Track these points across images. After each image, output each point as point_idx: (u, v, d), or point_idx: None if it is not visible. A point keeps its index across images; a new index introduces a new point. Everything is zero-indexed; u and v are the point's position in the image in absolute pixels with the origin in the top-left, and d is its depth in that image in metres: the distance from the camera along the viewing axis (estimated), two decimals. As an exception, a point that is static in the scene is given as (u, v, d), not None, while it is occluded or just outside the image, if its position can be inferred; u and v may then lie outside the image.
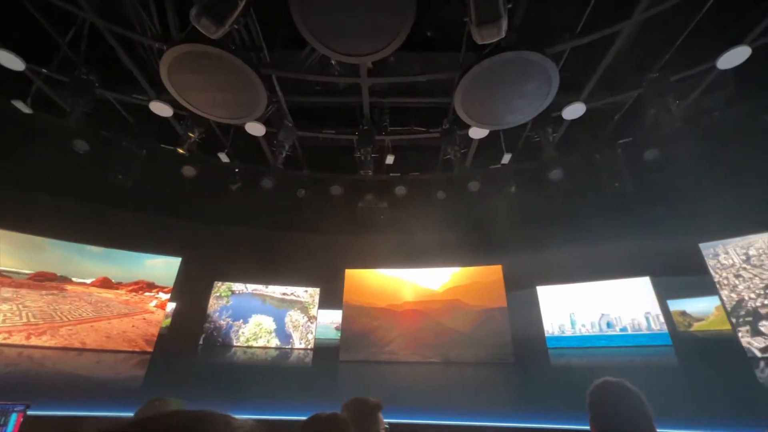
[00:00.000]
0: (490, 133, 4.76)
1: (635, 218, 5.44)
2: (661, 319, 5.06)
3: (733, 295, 4.75)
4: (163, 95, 4.41)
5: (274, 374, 5.65)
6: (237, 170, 5.73)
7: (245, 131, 4.82)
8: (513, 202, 6.00)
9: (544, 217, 5.98)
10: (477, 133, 4.67)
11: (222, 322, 5.97)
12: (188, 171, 5.47)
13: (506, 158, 5.26)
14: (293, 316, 6.17)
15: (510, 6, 2.85)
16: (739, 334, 4.56)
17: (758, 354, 4.40)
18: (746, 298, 4.68)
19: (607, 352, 5.24)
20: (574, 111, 4.35)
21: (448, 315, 6.13)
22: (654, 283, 5.21)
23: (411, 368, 5.74)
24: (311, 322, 6.12)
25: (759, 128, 4.44)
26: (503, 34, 2.98)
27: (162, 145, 5.42)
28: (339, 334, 6.03)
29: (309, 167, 6.04)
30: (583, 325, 5.50)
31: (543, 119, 4.40)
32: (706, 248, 5.02)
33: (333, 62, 4.19)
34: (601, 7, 3.58)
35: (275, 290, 6.29)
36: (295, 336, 6.03)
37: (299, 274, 6.26)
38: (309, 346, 5.94)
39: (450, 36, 4.16)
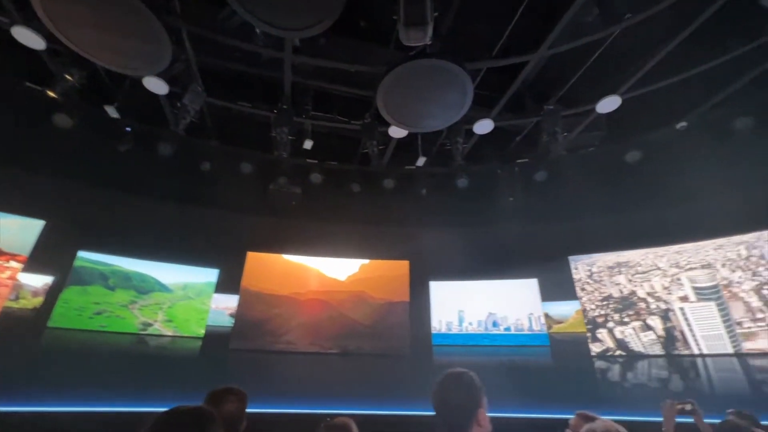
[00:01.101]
0: (409, 134, 4.93)
1: (527, 228, 6.16)
2: (542, 320, 5.82)
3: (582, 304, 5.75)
4: (34, 22, 3.61)
5: (152, 362, 5.10)
6: (128, 129, 4.98)
7: (144, 86, 4.22)
8: (423, 203, 6.34)
9: (450, 220, 6.43)
10: (396, 132, 4.78)
11: (89, 300, 5.16)
12: (61, 120, 4.58)
13: (421, 161, 5.51)
14: (181, 299, 5.63)
15: (437, 14, 2.97)
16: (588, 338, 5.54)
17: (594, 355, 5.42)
18: (587, 308, 5.68)
19: (489, 351, 5.85)
20: (483, 126, 4.74)
21: (352, 306, 6.22)
22: (540, 286, 5.99)
23: (308, 359, 5.69)
24: (204, 307, 5.65)
25: (621, 166, 5.40)
26: (428, 40, 3.10)
27: (28, 84, 4.45)
28: (233, 321, 5.68)
29: (218, 138, 5.54)
30: (471, 324, 6.07)
31: (456, 129, 4.71)
32: (573, 261, 5.96)
33: (258, 31, 3.90)
34: (518, 36, 3.96)
35: (163, 268, 5.66)
36: (178, 321, 5.51)
37: (195, 252, 5.72)
38: (191, 335, 5.46)
39: (382, 31, 4.20)
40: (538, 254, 6.04)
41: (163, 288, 5.58)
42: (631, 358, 5.24)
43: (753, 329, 4.65)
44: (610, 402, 5.01)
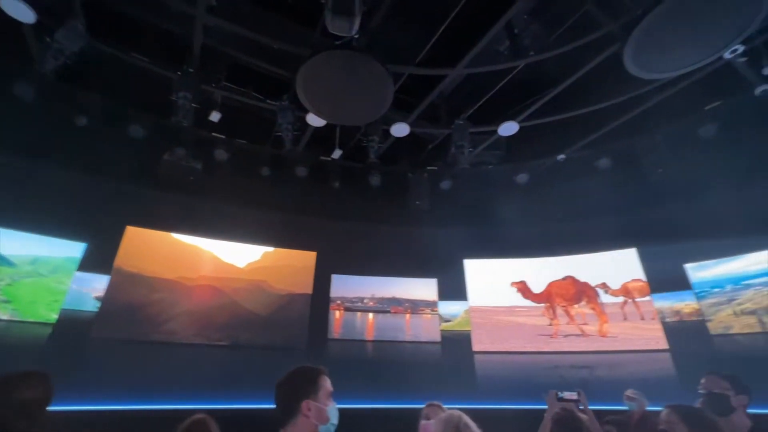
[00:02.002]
0: (327, 125, 4.84)
1: (427, 231, 6.55)
2: (438, 319, 6.23)
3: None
4: None
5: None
6: (-29, 57, 3.92)
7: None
8: (335, 196, 6.31)
9: (360, 215, 6.51)
10: (314, 120, 4.66)
11: None
12: None
13: (337, 153, 5.46)
14: (27, 275, 4.64)
15: (366, 9, 2.96)
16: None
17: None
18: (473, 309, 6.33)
19: (387, 347, 6.05)
20: (400, 130, 4.90)
21: (247, 295, 5.86)
22: (438, 285, 6.39)
23: (191, 351, 5.19)
24: (61, 287, 4.74)
25: (511, 186, 6.11)
26: (353, 33, 3.08)
27: None
28: (99, 305, 4.89)
29: (102, 91, 4.71)
30: (371, 318, 6.24)
31: (374, 128, 4.78)
32: (467, 263, 6.56)
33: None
34: (440, 50, 4.18)
35: (6, 235, 4.60)
36: (20, 302, 4.54)
37: (54, 220, 4.75)
38: (37, 320, 4.54)
39: (309, 13, 4.03)
40: (439, 256, 6.49)
41: (1, 260, 4.51)
42: (507, 355, 5.97)
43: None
44: (486, 394, 5.60)
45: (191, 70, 4.11)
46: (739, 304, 4.93)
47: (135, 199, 5.36)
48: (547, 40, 4.18)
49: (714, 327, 5.02)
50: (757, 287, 4.80)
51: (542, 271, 6.40)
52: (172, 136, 5.15)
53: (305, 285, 6.17)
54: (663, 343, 5.33)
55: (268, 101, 4.78)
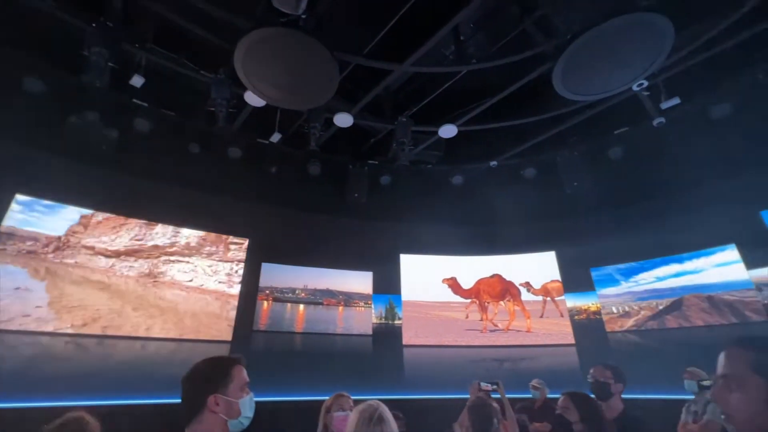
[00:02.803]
0: (268, 105, 4.58)
1: (364, 224, 6.59)
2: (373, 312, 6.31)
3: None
4: None
5: None
6: None
7: None
8: (271, 181, 6.03)
9: (296, 203, 6.31)
10: (253, 99, 4.39)
11: None
12: None
13: (276, 137, 5.20)
14: None
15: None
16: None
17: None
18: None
19: (318, 339, 5.96)
20: (343, 120, 4.82)
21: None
22: (373, 279, 6.47)
23: (99, 344, 4.62)
24: None
25: (448, 186, 6.37)
26: (300, 12, 2.94)
27: None
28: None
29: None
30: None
31: (317, 115, 4.64)
32: (403, 258, 6.71)
33: None
34: (389, 45, 4.18)
35: None
36: None
37: None
38: None
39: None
40: (375, 249, 6.57)
41: None
42: (433, 348, 6.24)
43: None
44: (415, 385, 5.80)
45: (109, 24, 3.61)
46: (630, 306, 5.74)
47: (30, 166, 4.57)
48: (489, 51, 4.40)
49: (609, 324, 5.78)
50: (646, 297, 5.62)
51: (472, 268, 6.80)
52: (81, 96, 4.49)
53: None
54: (572, 339, 5.99)
55: (203, 72, 4.39)
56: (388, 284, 6.52)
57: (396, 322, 6.35)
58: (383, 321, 6.32)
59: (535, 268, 6.63)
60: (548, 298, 6.39)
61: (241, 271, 5.86)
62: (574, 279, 6.26)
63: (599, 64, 3.39)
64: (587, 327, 5.99)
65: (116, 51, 3.72)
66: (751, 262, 4.82)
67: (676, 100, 4.35)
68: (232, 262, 5.90)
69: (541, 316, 6.35)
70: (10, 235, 4.39)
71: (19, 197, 4.50)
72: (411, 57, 4.09)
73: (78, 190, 4.83)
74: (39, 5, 3.61)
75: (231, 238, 5.98)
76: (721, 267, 5.07)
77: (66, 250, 4.74)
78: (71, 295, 4.59)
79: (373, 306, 6.37)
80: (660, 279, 5.58)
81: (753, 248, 4.82)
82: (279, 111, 5.10)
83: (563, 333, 6.11)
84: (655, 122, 4.81)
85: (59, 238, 4.72)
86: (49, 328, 4.33)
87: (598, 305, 5.98)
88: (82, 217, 4.99)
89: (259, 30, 3.23)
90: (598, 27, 2.88)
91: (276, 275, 6.11)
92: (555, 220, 6.44)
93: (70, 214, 4.87)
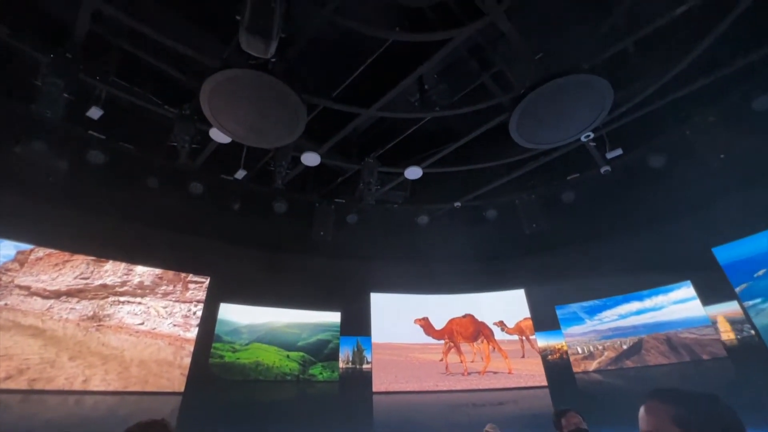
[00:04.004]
0: (233, 142, 4.54)
1: (332, 263, 6.50)
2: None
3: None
4: None
5: None
6: None
7: None
8: (233, 218, 5.86)
9: (260, 241, 6.14)
10: (218, 136, 4.34)
11: None
12: None
13: (241, 174, 5.13)
14: None
15: (284, 36, 2.95)
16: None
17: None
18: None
19: (279, 385, 5.58)
20: (311, 159, 4.85)
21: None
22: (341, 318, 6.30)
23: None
24: None
25: (414, 226, 6.46)
26: (269, 56, 3.01)
27: None
28: None
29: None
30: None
31: (284, 153, 4.64)
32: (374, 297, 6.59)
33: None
34: (358, 89, 4.34)
35: None
36: None
37: None
38: None
39: (227, 24, 3.86)
40: (343, 288, 6.43)
41: None
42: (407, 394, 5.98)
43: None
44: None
45: (69, 55, 3.52)
46: (594, 345, 5.85)
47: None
48: (451, 99, 4.67)
49: (575, 365, 5.83)
50: (610, 335, 5.77)
51: (445, 308, 6.72)
52: (30, 126, 4.26)
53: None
54: (544, 380, 5.91)
55: (166, 107, 4.32)
56: (357, 325, 6.31)
57: (364, 366, 6.06)
58: (350, 365, 6.02)
59: (505, 307, 6.63)
60: (524, 337, 6.37)
61: (199, 313, 5.49)
62: (543, 317, 6.33)
63: (550, 117, 3.67)
64: (559, 366, 5.95)
65: (74, 83, 3.61)
66: (706, 299, 5.09)
67: (618, 151, 4.75)
68: (190, 302, 5.54)
69: (522, 357, 6.24)
70: (-73, 274, 3.92)
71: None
72: (378, 102, 4.25)
73: (17, 222, 4.46)
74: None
75: (191, 276, 5.66)
76: (680, 304, 5.32)
77: (-6, 291, 4.27)
78: (-6, 343, 4.08)
79: (339, 349, 6.07)
80: (623, 317, 5.76)
81: (707, 285, 5.10)
82: (245, 148, 5.06)
83: (542, 374, 6.02)
84: (602, 170, 5.20)
85: (-13, 276, 4.27)
86: (-39, 382, 3.79)
87: (565, 345, 6.03)
88: (19, 252, 4.58)
89: (228, 70, 3.26)
90: (547, 84, 3.15)
91: (239, 316, 5.79)
92: (520, 259, 6.61)
93: (4, 249, 4.45)
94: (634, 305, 5.71)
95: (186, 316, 5.43)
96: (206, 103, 3.54)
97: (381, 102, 4.27)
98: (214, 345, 5.41)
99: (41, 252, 4.68)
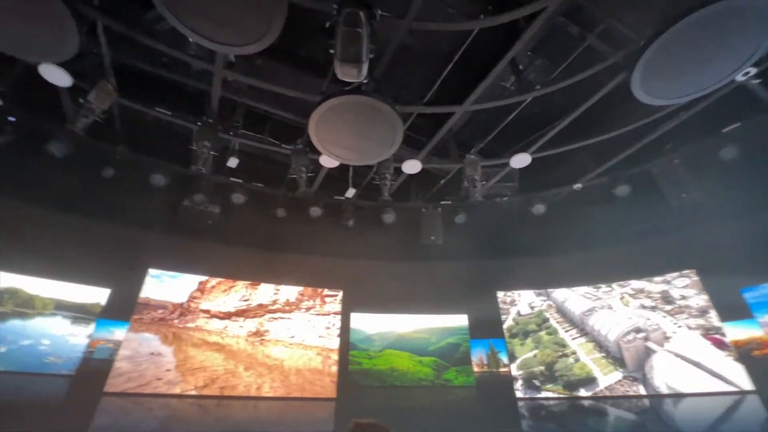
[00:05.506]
0: (340, 165, 4.94)
1: (448, 265, 6.40)
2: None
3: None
4: None
5: None
6: (11, 119, 4.25)
7: (38, 74, 3.68)
8: (350, 235, 6.32)
9: (377, 253, 6.45)
10: (327, 161, 4.77)
11: None
12: None
13: (350, 192, 5.53)
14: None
15: (372, 56, 3.10)
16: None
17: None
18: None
19: (413, 391, 5.71)
20: (411, 167, 4.94)
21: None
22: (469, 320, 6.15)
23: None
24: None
25: (526, 219, 6.02)
26: (362, 78, 3.20)
27: None
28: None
29: (127, 144, 4.99)
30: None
31: (386, 166, 4.84)
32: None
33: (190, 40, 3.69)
34: (447, 89, 4.30)
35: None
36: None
37: (78, 266, 4.88)
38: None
39: (320, 62, 4.27)
40: (468, 290, 6.24)
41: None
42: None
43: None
44: None
45: (210, 120, 4.33)
46: None
47: (153, 245, 5.45)
48: (552, 74, 4.26)
49: None
50: None
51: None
52: (190, 183, 5.36)
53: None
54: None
55: (283, 146, 4.95)
56: (487, 326, 6.05)
57: (501, 369, 5.73)
58: (485, 369, 5.78)
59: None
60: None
61: (338, 324, 5.93)
62: (727, 304, 4.87)
63: (684, 64, 3.04)
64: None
65: (216, 141, 4.41)
66: None
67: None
68: (328, 315, 6.04)
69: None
70: (146, 305, 5.19)
71: (152, 271, 5.37)
72: (470, 96, 4.13)
73: (193, 259, 5.61)
74: (159, 115, 4.51)
75: (326, 290, 6.20)
76: None
77: (188, 315, 5.41)
78: (194, 358, 5.14)
79: (471, 351, 5.92)
80: None
81: None
82: (351, 168, 5.46)
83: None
84: (776, 110, 4.06)
85: (182, 304, 5.44)
86: (177, 390, 4.86)
87: (765, 335, 4.52)
88: (200, 283, 5.70)
89: (327, 101, 3.58)
90: (676, 26, 2.62)
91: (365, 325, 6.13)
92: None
93: (189, 282, 5.62)
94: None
95: (327, 328, 5.95)
96: (314, 134, 3.93)
97: (473, 96, 4.12)
98: (351, 353, 5.81)
99: (213, 281, 5.76)
